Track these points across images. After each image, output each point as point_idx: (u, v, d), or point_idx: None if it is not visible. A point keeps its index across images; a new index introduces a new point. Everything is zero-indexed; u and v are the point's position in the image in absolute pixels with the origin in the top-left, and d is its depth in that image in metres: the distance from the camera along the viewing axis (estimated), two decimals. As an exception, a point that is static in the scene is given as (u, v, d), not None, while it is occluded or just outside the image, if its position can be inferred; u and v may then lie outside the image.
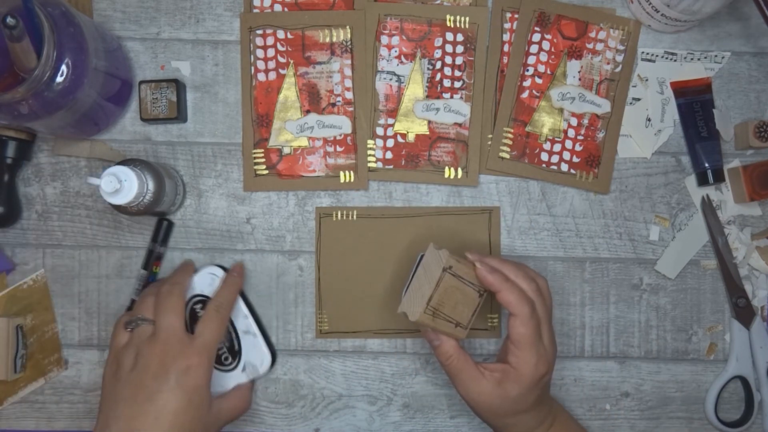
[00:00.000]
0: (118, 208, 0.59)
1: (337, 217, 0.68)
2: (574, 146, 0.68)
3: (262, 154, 0.67)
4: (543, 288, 0.58)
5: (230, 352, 0.64)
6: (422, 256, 0.56)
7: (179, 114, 0.66)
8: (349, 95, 0.67)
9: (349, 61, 0.67)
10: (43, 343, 0.66)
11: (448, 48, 0.67)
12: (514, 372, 0.55)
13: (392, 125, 0.67)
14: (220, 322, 0.60)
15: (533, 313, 0.55)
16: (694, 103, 0.68)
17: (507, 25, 0.68)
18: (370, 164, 0.67)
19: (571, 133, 0.68)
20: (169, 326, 0.57)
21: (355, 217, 0.68)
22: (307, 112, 0.67)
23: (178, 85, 0.66)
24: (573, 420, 0.63)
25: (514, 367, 0.55)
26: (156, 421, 0.54)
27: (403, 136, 0.68)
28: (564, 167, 0.68)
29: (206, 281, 0.63)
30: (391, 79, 0.67)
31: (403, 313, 0.55)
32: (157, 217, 0.67)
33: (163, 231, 0.67)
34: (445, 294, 0.55)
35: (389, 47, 0.67)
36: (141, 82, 0.66)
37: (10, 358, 0.64)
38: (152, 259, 0.67)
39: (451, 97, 0.67)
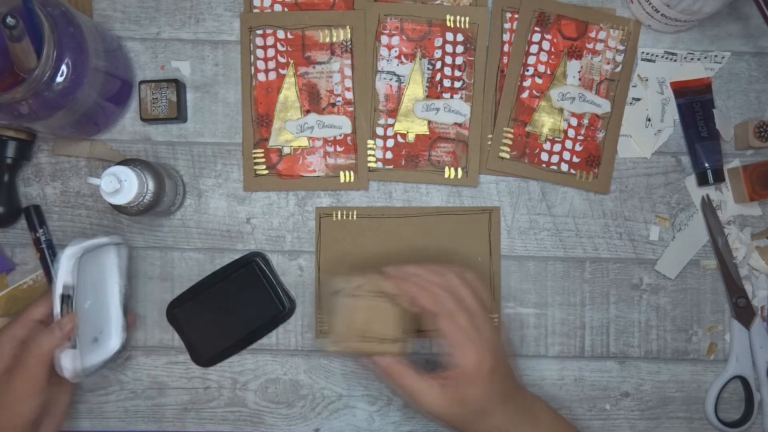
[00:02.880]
0: (118, 208, 0.59)
1: (337, 217, 0.68)
2: (574, 146, 0.68)
3: (262, 154, 0.67)
4: (456, 282, 0.54)
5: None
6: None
7: (179, 114, 0.66)
8: (349, 95, 0.67)
9: (349, 61, 0.67)
10: None
11: (448, 48, 0.67)
12: (459, 371, 0.51)
13: (392, 125, 0.67)
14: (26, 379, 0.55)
15: (457, 307, 0.52)
16: (694, 103, 0.68)
17: (507, 25, 0.68)
18: (370, 164, 0.67)
19: (571, 133, 0.68)
20: None
21: (355, 217, 0.68)
22: (307, 112, 0.67)
23: (178, 85, 0.66)
24: (556, 418, 0.58)
25: (457, 367, 0.51)
26: None
27: (403, 136, 0.68)
28: (564, 167, 0.68)
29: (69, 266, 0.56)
30: (391, 79, 0.67)
31: (330, 349, 0.53)
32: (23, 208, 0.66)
33: (35, 217, 0.66)
34: (350, 316, 0.52)
35: (389, 47, 0.67)
36: (141, 82, 0.66)
37: None
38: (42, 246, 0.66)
39: (451, 97, 0.67)
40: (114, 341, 0.63)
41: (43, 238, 0.66)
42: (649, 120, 0.68)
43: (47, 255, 0.66)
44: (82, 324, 0.58)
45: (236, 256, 0.67)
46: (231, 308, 0.67)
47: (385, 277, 0.53)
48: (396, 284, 0.52)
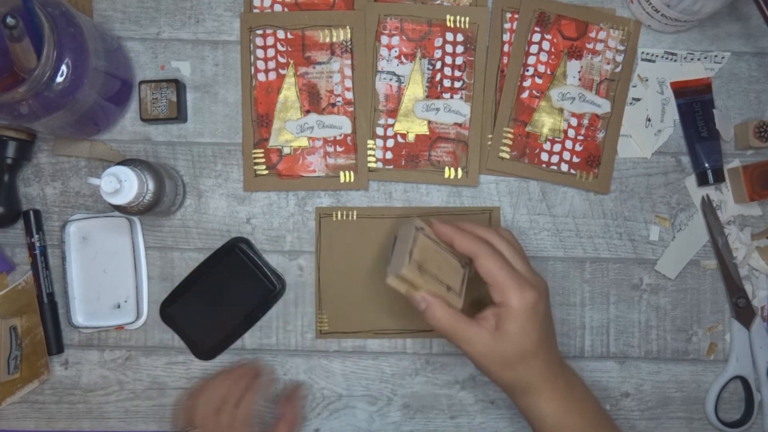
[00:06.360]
0: (118, 208, 0.59)
1: (337, 217, 0.68)
2: (574, 146, 0.68)
3: (262, 154, 0.67)
4: (502, 233, 0.57)
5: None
6: (396, 238, 0.56)
7: (179, 114, 0.66)
8: (349, 95, 0.67)
9: (349, 61, 0.67)
10: (34, 345, 0.66)
11: (448, 48, 0.67)
12: (504, 309, 0.53)
13: (392, 125, 0.67)
14: None
15: (494, 250, 0.54)
16: (694, 103, 0.68)
17: (507, 25, 0.68)
18: (370, 164, 0.67)
19: (571, 133, 0.68)
20: None
21: (355, 217, 0.68)
22: (307, 112, 0.67)
23: (178, 85, 0.66)
24: (587, 391, 0.58)
25: (502, 305, 0.53)
26: None
27: (403, 136, 0.68)
28: (564, 167, 0.68)
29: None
30: (391, 79, 0.67)
31: (393, 277, 0.53)
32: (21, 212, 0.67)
33: (32, 222, 0.67)
34: (426, 252, 0.54)
35: (389, 47, 0.67)
36: (141, 82, 0.66)
37: (2, 359, 0.64)
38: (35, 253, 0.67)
39: (451, 97, 0.67)
40: (133, 315, 0.67)
41: (37, 244, 0.66)
42: (649, 120, 0.68)
43: (38, 262, 0.66)
44: (99, 288, 0.66)
45: (236, 256, 0.68)
46: (223, 297, 0.67)
47: (437, 221, 0.55)
48: (449, 229, 0.54)
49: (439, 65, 0.67)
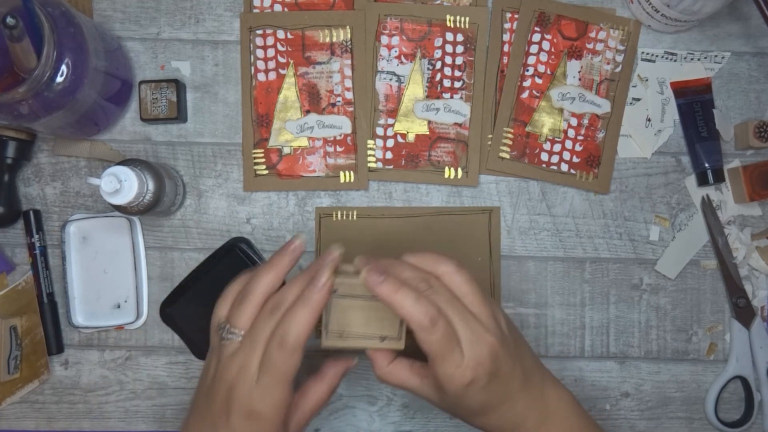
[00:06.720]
0: (118, 208, 0.59)
1: (337, 217, 0.68)
2: (574, 146, 0.68)
3: (262, 154, 0.67)
4: (438, 284, 0.48)
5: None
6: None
7: (179, 114, 0.66)
8: (349, 95, 0.67)
9: (349, 61, 0.67)
10: (34, 345, 0.66)
11: (448, 48, 0.67)
12: (441, 381, 0.47)
13: (392, 125, 0.67)
14: (291, 352, 0.47)
15: (434, 317, 0.45)
16: (694, 103, 0.68)
17: (507, 25, 0.68)
18: (370, 164, 0.67)
19: (571, 133, 0.68)
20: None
21: (355, 217, 0.68)
22: (307, 112, 0.67)
23: (178, 85, 0.66)
24: (576, 412, 0.53)
25: (438, 377, 0.47)
26: None
27: (403, 136, 0.68)
28: (564, 167, 0.68)
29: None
30: (391, 79, 0.67)
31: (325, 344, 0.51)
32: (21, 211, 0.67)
33: (33, 222, 0.67)
34: (345, 314, 0.50)
35: (389, 47, 0.67)
36: (141, 82, 0.66)
37: (2, 359, 0.64)
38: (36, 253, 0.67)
39: (451, 97, 0.67)
40: (133, 315, 0.66)
41: (37, 244, 0.66)
42: (649, 120, 0.68)
43: (38, 262, 0.66)
44: (99, 288, 0.66)
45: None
46: None
47: (370, 277, 0.46)
48: (370, 285, 0.46)
49: (439, 65, 0.67)
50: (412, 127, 0.67)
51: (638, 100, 0.68)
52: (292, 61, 0.67)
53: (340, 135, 0.67)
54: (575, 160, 0.68)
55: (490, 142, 0.67)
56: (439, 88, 0.67)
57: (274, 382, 0.47)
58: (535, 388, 0.51)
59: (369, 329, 0.50)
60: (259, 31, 0.67)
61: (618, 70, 0.68)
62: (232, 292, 0.51)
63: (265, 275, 0.50)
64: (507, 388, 0.49)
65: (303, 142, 0.67)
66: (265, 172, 0.67)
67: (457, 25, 0.67)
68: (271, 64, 0.67)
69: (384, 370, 0.50)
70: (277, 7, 0.68)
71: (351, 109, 0.67)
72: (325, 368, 0.53)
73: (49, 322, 0.67)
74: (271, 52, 0.67)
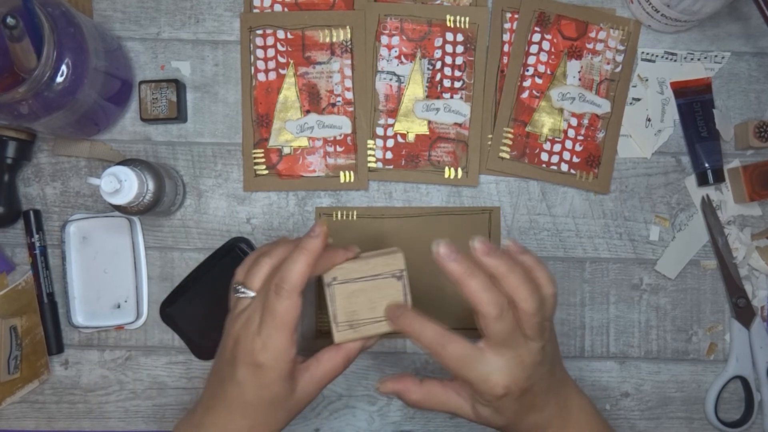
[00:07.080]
0: (118, 208, 0.59)
1: (337, 217, 0.68)
2: (574, 146, 0.68)
3: (262, 154, 0.67)
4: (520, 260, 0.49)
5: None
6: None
7: (179, 114, 0.66)
8: (349, 95, 0.67)
9: (349, 61, 0.67)
10: (34, 345, 0.66)
11: (448, 48, 0.67)
12: (476, 386, 0.47)
13: (392, 125, 0.67)
14: (290, 307, 0.47)
15: (503, 306, 0.47)
16: (694, 103, 0.68)
17: (507, 25, 0.68)
18: (370, 164, 0.67)
19: (571, 133, 0.68)
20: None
21: (355, 217, 0.68)
22: (307, 112, 0.67)
23: (178, 85, 0.66)
24: (598, 420, 0.53)
25: (473, 384, 0.47)
26: (227, 412, 0.48)
27: (403, 136, 0.68)
28: (564, 167, 0.68)
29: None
30: (391, 79, 0.67)
31: (337, 340, 0.51)
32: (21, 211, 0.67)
33: (33, 222, 0.67)
34: (349, 302, 0.50)
35: (389, 47, 0.67)
36: (141, 82, 0.66)
37: (3, 359, 0.64)
38: (37, 253, 0.67)
39: (451, 97, 0.67)
40: (133, 315, 0.67)
41: (37, 244, 0.66)
42: (649, 120, 0.68)
43: (38, 262, 0.66)
44: (99, 288, 0.67)
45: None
46: (223, 297, 0.66)
47: (437, 246, 0.46)
48: (442, 259, 0.45)
49: (439, 65, 0.67)
50: (412, 127, 0.67)
51: (638, 100, 0.68)
52: (292, 61, 0.67)
53: (340, 135, 0.67)
54: (575, 160, 0.68)
55: (490, 142, 0.67)
56: (439, 88, 0.67)
57: (272, 328, 0.47)
58: (561, 396, 0.52)
59: (377, 312, 0.50)
60: (259, 31, 0.67)
61: (618, 70, 0.68)
62: (251, 258, 0.52)
63: (283, 245, 0.51)
64: (538, 399, 0.50)
65: (303, 142, 0.67)
66: (265, 172, 0.67)
67: (457, 25, 0.67)
68: (271, 64, 0.67)
69: (417, 395, 0.50)
70: (277, 7, 0.68)
71: (351, 109, 0.67)
72: (326, 352, 0.52)
73: (49, 322, 0.67)
74: (271, 52, 0.67)
